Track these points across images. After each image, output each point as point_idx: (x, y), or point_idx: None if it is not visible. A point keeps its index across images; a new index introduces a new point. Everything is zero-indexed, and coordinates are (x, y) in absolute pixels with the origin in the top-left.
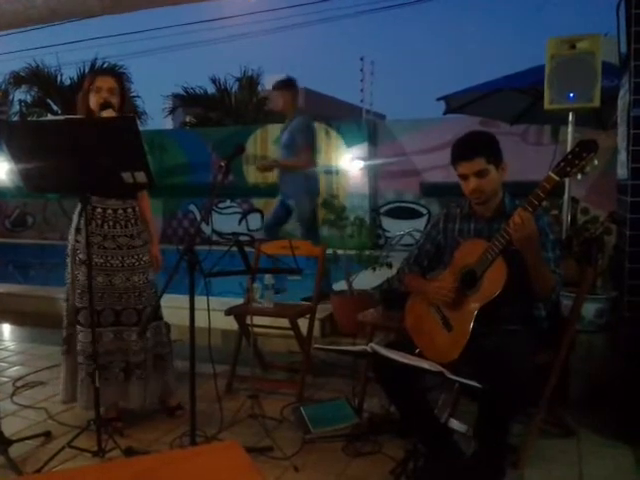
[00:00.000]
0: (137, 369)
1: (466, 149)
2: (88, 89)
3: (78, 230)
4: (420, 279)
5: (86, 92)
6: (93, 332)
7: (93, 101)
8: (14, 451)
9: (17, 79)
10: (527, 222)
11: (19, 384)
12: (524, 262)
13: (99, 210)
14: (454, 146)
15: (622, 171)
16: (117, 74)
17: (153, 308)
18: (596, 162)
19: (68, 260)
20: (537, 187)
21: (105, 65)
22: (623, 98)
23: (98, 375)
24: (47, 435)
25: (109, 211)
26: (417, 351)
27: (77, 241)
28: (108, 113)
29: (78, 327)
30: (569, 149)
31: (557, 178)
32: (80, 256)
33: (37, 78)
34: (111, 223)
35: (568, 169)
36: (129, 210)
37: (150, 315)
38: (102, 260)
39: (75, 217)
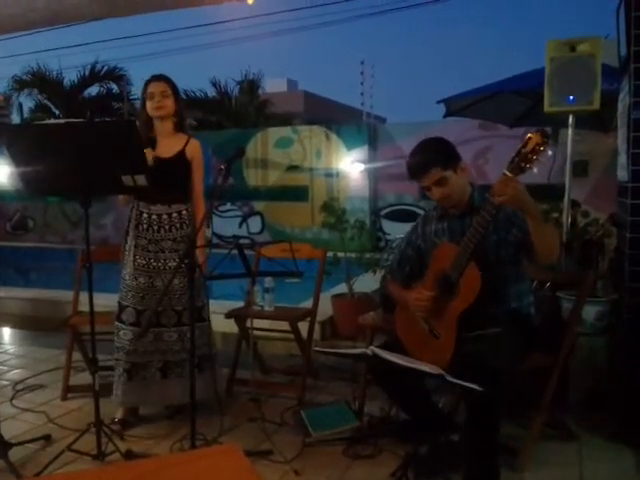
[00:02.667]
0: (177, 367)
1: (419, 164)
2: (144, 97)
3: (127, 233)
4: (400, 289)
5: (143, 101)
6: (92, 332)
7: (149, 107)
8: (14, 455)
9: (20, 83)
10: (509, 182)
11: (19, 387)
12: (518, 238)
13: (145, 215)
14: (408, 162)
15: (622, 173)
16: (167, 77)
17: (195, 309)
18: (550, 152)
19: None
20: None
21: (105, 68)
22: (623, 101)
23: (137, 374)
24: (47, 438)
25: (154, 216)
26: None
27: (126, 242)
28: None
29: (119, 324)
30: (569, 151)
31: (512, 176)
32: (126, 257)
33: (39, 81)
34: (156, 227)
35: (523, 164)
36: (174, 215)
37: (193, 316)
38: (144, 262)
39: (127, 222)
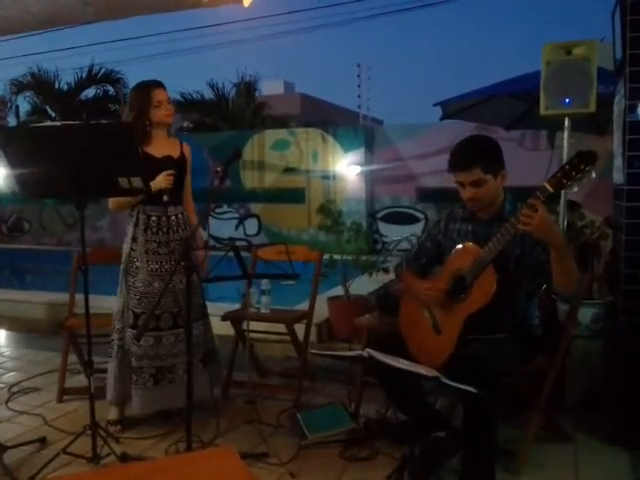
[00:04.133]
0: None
1: (463, 159)
2: (145, 105)
3: (134, 239)
4: (414, 277)
5: (145, 107)
6: (88, 337)
7: (159, 115)
8: (9, 457)
9: (17, 86)
10: (537, 208)
11: (14, 390)
12: (538, 258)
13: (154, 218)
14: (452, 152)
15: (618, 176)
16: (163, 83)
17: (200, 306)
18: (594, 174)
19: (122, 268)
20: (530, 197)
21: (102, 71)
22: (619, 104)
23: (165, 378)
24: (42, 441)
25: (163, 218)
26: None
27: (133, 249)
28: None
29: (134, 332)
30: (565, 154)
31: (552, 190)
32: (137, 264)
33: (36, 84)
34: (165, 229)
35: (564, 181)
36: (179, 216)
37: (197, 313)
38: (157, 266)
39: (131, 227)
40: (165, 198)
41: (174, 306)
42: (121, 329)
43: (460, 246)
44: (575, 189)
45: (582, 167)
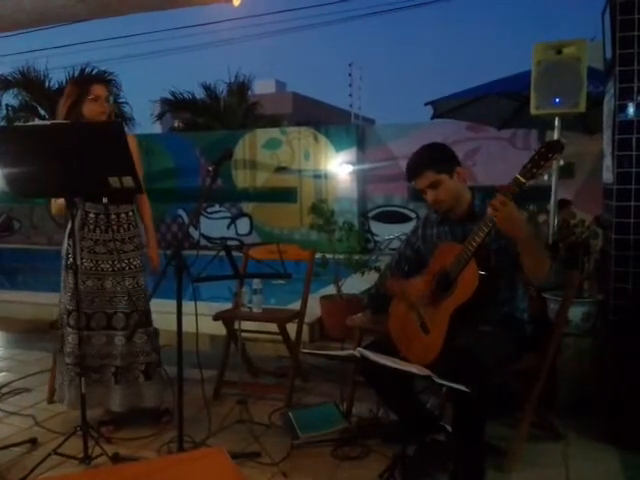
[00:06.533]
0: (127, 373)
1: (413, 167)
2: (81, 97)
3: (71, 235)
4: (400, 281)
5: (78, 100)
6: (80, 334)
7: (92, 110)
8: None
9: (5, 83)
10: (505, 203)
11: (5, 390)
12: (512, 250)
13: (92, 215)
14: (406, 165)
15: (608, 175)
16: (107, 81)
17: (142, 313)
18: (562, 162)
19: (62, 263)
20: (503, 190)
21: (95, 71)
22: (608, 103)
23: (89, 377)
24: (33, 442)
25: (101, 216)
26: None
27: (69, 245)
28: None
29: (68, 329)
30: None
31: (524, 180)
32: (72, 260)
33: (25, 82)
34: (103, 228)
35: (535, 170)
36: (122, 215)
37: (140, 320)
38: (92, 264)
39: (69, 223)
40: (104, 200)
41: (108, 306)
42: (61, 325)
43: (440, 247)
44: (545, 177)
45: (550, 156)
